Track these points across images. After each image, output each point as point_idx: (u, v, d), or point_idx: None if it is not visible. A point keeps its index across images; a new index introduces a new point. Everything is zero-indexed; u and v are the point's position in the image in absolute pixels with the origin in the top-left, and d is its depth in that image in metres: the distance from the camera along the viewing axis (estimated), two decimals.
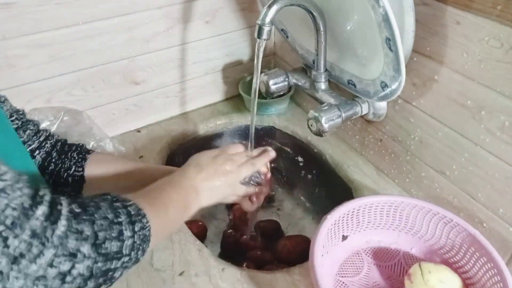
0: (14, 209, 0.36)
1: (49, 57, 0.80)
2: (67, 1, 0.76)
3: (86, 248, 0.40)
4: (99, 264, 0.41)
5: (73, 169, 0.63)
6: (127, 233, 0.44)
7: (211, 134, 1.04)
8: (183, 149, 1.00)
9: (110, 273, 0.43)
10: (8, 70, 0.77)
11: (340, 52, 0.75)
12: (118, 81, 0.91)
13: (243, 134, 1.06)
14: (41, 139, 0.63)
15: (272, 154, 0.70)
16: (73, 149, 0.65)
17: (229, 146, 0.68)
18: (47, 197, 0.40)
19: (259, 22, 0.64)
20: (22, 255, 0.36)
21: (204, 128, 1.02)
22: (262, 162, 0.68)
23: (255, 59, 0.68)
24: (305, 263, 0.69)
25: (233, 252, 0.90)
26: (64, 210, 0.40)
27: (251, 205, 0.70)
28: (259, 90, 0.77)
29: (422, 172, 0.77)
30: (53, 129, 0.79)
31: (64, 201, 0.42)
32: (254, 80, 0.70)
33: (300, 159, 1.03)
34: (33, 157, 0.61)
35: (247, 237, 0.92)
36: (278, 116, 1.04)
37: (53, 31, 0.78)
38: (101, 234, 0.42)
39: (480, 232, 0.63)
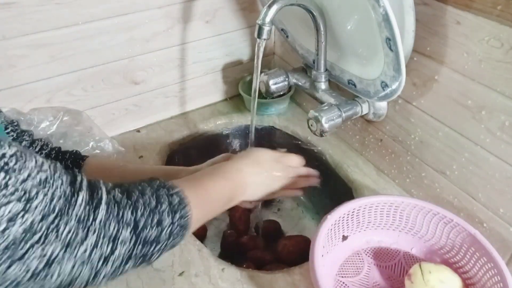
0: (59, 197, 0.39)
1: (49, 57, 0.80)
2: (67, 1, 0.76)
3: (126, 234, 0.42)
4: (138, 249, 0.43)
5: None
6: (167, 221, 0.46)
7: (211, 134, 1.04)
8: (183, 149, 1.00)
9: (148, 256, 0.45)
10: (8, 70, 0.77)
11: (340, 51, 0.75)
12: (118, 81, 0.91)
13: (243, 134, 1.06)
14: (37, 149, 0.64)
15: (314, 182, 0.71)
16: (67, 156, 0.66)
17: (291, 156, 0.68)
18: (85, 183, 0.42)
19: (259, 22, 0.64)
20: (72, 240, 0.38)
21: (204, 128, 1.02)
22: (304, 185, 0.69)
23: (255, 59, 0.68)
24: (305, 263, 0.69)
25: (233, 252, 0.90)
26: (104, 196, 0.43)
27: (250, 204, 0.70)
28: (259, 90, 0.77)
29: (422, 172, 0.77)
30: (52, 129, 0.79)
31: (103, 187, 0.44)
32: (254, 80, 0.70)
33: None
34: None
35: (247, 237, 0.92)
36: (278, 116, 1.04)
37: (53, 31, 0.78)
38: (141, 221, 0.44)
39: (480, 232, 0.63)
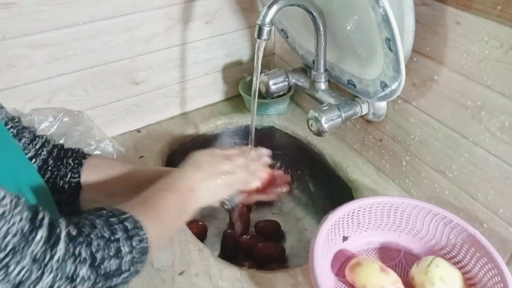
0: (14, 235, 0.36)
1: (49, 57, 0.80)
2: (67, 1, 0.76)
3: (84, 271, 0.40)
4: (99, 284, 0.41)
5: (69, 176, 0.63)
6: (125, 249, 0.44)
7: (211, 134, 1.04)
8: (183, 149, 1.00)
9: None
10: (8, 70, 0.77)
11: (340, 52, 0.75)
12: (118, 81, 0.91)
13: (243, 134, 1.06)
14: (37, 146, 0.62)
15: (266, 159, 0.69)
16: (69, 155, 0.65)
17: (228, 148, 0.67)
18: (46, 220, 0.40)
19: (259, 22, 0.64)
20: (23, 280, 0.36)
21: (204, 128, 1.02)
22: (257, 166, 0.67)
23: (255, 59, 0.68)
24: (306, 264, 0.69)
25: (233, 252, 0.90)
26: (63, 233, 0.40)
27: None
28: (259, 90, 0.77)
29: (422, 172, 0.77)
30: (53, 130, 0.79)
31: (62, 224, 0.41)
32: (254, 80, 0.70)
33: (300, 159, 1.03)
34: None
35: (247, 237, 0.92)
36: (278, 116, 1.04)
37: (53, 31, 0.78)
38: (98, 255, 0.42)
39: (480, 233, 0.63)
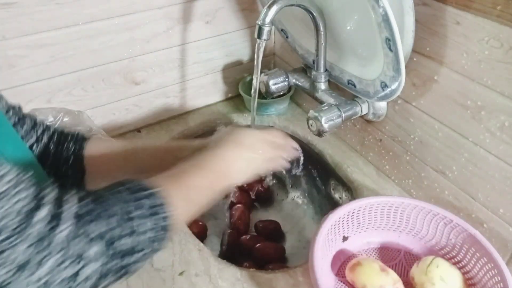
0: (17, 213, 0.35)
1: (49, 57, 0.80)
2: (67, 1, 0.76)
3: (94, 250, 0.38)
4: (111, 264, 0.40)
5: (71, 159, 0.61)
6: (148, 226, 0.42)
7: (211, 135, 1.03)
8: None
9: (125, 269, 0.41)
10: (8, 70, 0.77)
11: (340, 52, 0.75)
12: (118, 81, 0.91)
13: None
14: (39, 133, 0.61)
15: (297, 154, 0.68)
16: (69, 138, 0.63)
17: (275, 132, 0.64)
18: (50, 197, 0.38)
19: (259, 22, 0.64)
20: (27, 262, 0.35)
21: (204, 129, 1.02)
22: (290, 156, 0.65)
23: (255, 59, 0.68)
24: (306, 263, 0.69)
25: (233, 252, 0.90)
26: (68, 213, 0.38)
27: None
28: (259, 90, 0.77)
29: (422, 172, 0.77)
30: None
31: (70, 200, 0.40)
32: (254, 80, 0.70)
33: (300, 159, 1.03)
34: (31, 151, 0.59)
35: (247, 237, 0.92)
36: (278, 116, 1.04)
37: (53, 31, 0.78)
38: (112, 233, 0.40)
39: (480, 232, 0.63)
